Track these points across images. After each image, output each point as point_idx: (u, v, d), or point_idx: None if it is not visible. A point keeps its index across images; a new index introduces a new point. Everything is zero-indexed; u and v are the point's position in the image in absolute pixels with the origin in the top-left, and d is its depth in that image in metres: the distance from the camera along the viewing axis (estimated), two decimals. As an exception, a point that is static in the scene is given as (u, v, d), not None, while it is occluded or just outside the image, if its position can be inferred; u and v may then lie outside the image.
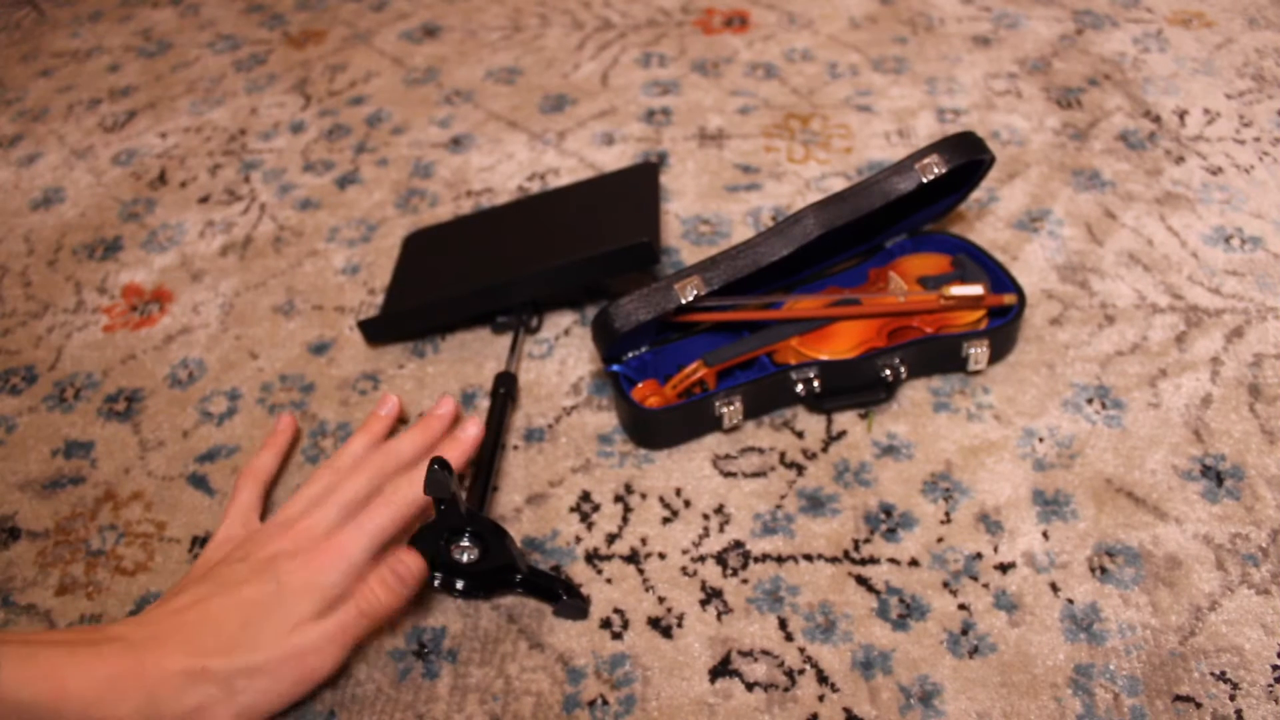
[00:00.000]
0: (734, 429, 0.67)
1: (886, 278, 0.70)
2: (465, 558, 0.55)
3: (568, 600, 0.57)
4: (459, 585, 0.57)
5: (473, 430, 0.62)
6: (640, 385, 0.66)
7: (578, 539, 0.62)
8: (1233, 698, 0.52)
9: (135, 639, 0.48)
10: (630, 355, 0.67)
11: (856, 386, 0.66)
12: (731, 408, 0.65)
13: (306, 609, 0.51)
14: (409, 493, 0.55)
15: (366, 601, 0.52)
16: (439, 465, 0.50)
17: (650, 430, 0.66)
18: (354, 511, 0.55)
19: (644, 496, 0.64)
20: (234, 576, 0.52)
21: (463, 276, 0.73)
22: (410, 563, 0.53)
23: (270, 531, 0.55)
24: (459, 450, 0.61)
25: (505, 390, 0.67)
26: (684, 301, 0.62)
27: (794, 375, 0.65)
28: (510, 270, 0.71)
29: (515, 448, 0.68)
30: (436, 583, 0.57)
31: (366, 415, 0.71)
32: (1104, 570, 0.58)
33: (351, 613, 0.52)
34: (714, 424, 0.66)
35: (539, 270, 0.70)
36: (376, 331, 0.74)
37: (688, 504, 0.63)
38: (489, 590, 0.58)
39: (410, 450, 0.60)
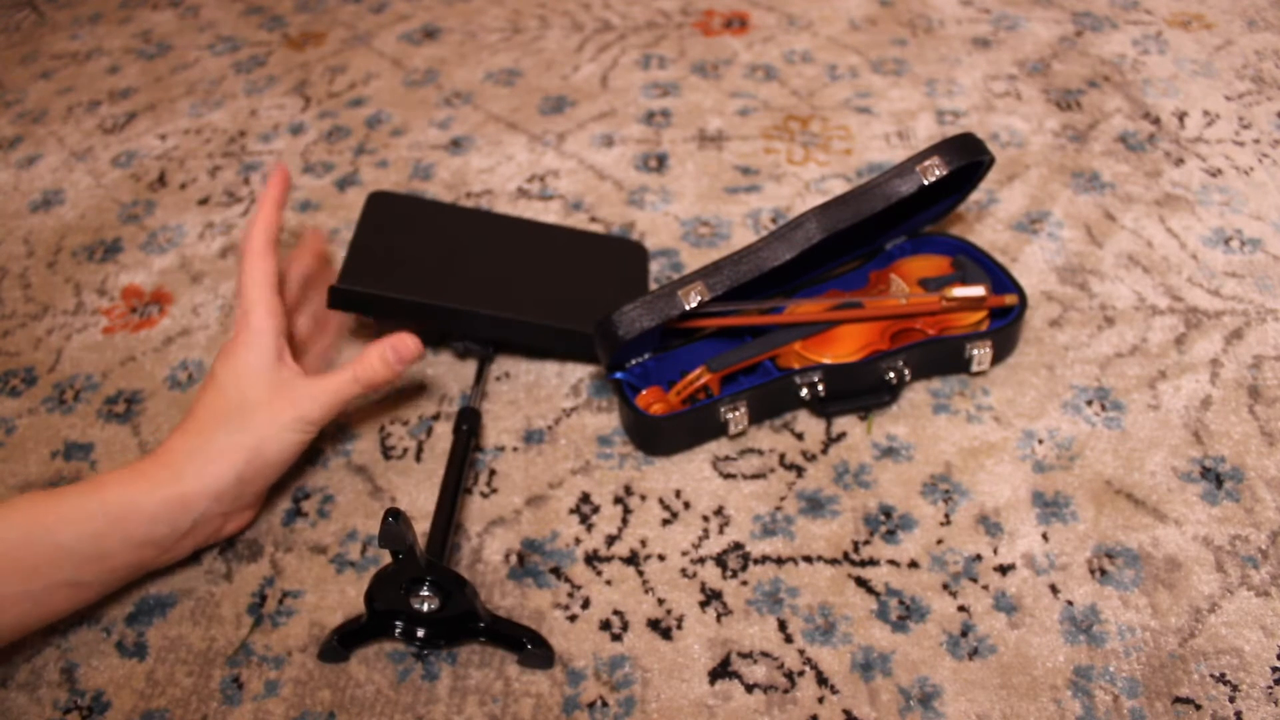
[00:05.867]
0: (739, 435, 0.67)
1: (887, 280, 0.70)
2: (426, 607, 0.54)
3: (532, 650, 0.56)
4: (419, 634, 0.56)
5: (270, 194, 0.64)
6: (644, 392, 0.65)
7: (577, 540, 0.62)
8: (1232, 699, 0.52)
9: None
10: (634, 362, 0.67)
11: (860, 390, 0.66)
12: (737, 413, 0.65)
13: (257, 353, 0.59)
14: (252, 223, 0.62)
15: (363, 370, 0.60)
16: (393, 518, 0.49)
17: (656, 437, 0.65)
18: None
19: (643, 498, 0.64)
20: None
21: (427, 280, 0.69)
22: (410, 344, 0.61)
23: None
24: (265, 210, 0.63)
25: (468, 427, 0.65)
26: (688, 308, 0.61)
27: (798, 380, 0.65)
28: (477, 299, 0.68)
29: (515, 449, 0.68)
30: (398, 631, 0.56)
31: (369, 416, 0.71)
32: (1103, 572, 0.58)
33: (347, 378, 0.60)
34: (719, 430, 0.66)
35: (506, 316, 0.68)
36: (338, 300, 0.69)
37: (687, 506, 0.63)
38: (451, 639, 0.57)
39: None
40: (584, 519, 0.63)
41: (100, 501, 0.54)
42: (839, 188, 0.85)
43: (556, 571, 0.61)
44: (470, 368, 0.73)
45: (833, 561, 0.60)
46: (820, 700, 0.54)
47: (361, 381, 0.60)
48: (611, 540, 0.62)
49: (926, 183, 0.63)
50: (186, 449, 0.57)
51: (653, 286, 0.77)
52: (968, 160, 0.64)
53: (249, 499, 0.61)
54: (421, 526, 0.63)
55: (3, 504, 0.52)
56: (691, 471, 0.65)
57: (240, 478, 0.58)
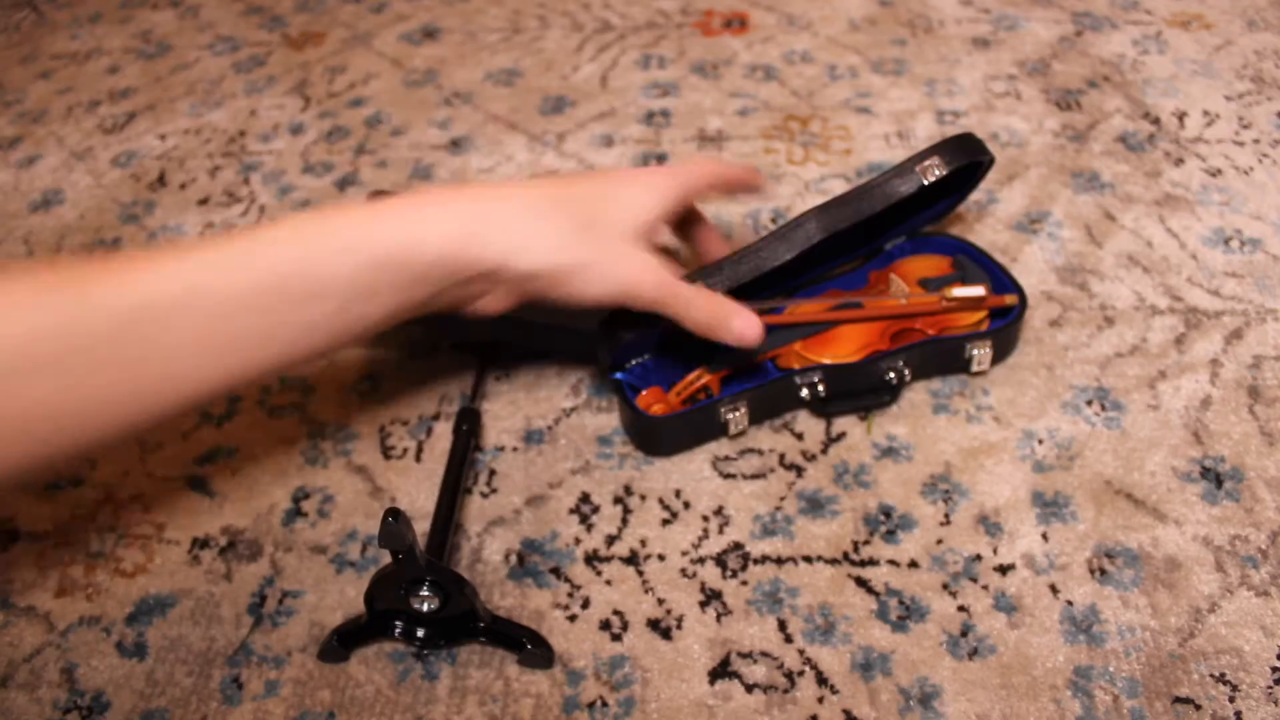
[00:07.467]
0: (739, 435, 0.67)
1: (887, 280, 0.70)
2: (426, 607, 0.54)
3: (532, 650, 0.56)
4: (419, 634, 0.56)
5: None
6: (644, 393, 0.65)
7: (577, 541, 0.62)
8: (1232, 699, 0.52)
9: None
10: (634, 362, 0.67)
11: (861, 390, 0.66)
12: (737, 414, 0.64)
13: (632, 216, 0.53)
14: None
15: (685, 300, 0.54)
16: (393, 518, 0.49)
17: (656, 437, 0.65)
18: None
19: (643, 498, 0.64)
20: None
21: None
22: (753, 324, 0.55)
23: None
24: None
25: (468, 427, 0.65)
26: (687, 307, 0.61)
27: (798, 380, 0.65)
28: None
29: (515, 449, 0.68)
30: (398, 631, 0.56)
31: (369, 416, 0.71)
32: (1103, 572, 0.58)
33: (673, 288, 0.54)
34: (719, 430, 0.66)
35: (506, 316, 0.67)
36: None
37: (687, 506, 0.63)
38: (451, 639, 0.57)
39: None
40: (584, 519, 0.63)
41: (370, 253, 0.48)
42: (839, 188, 0.85)
43: (556, 571, 0.61)
44: (470, 368, 0.73)
45: (832, 561, 0.60)
46: (820, 700, 0.54)
47: (675, 304, 0.54)
48: (611, 540, 0.62)
49: (926, 183, 0.63)
50: (505, 222, 0.51)
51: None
52: (968, 160, 0.64)
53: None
54: (421, 526, 0.63)
55: (275, 225, 0.47)
56: (691, 471, 0.65)
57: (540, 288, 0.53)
